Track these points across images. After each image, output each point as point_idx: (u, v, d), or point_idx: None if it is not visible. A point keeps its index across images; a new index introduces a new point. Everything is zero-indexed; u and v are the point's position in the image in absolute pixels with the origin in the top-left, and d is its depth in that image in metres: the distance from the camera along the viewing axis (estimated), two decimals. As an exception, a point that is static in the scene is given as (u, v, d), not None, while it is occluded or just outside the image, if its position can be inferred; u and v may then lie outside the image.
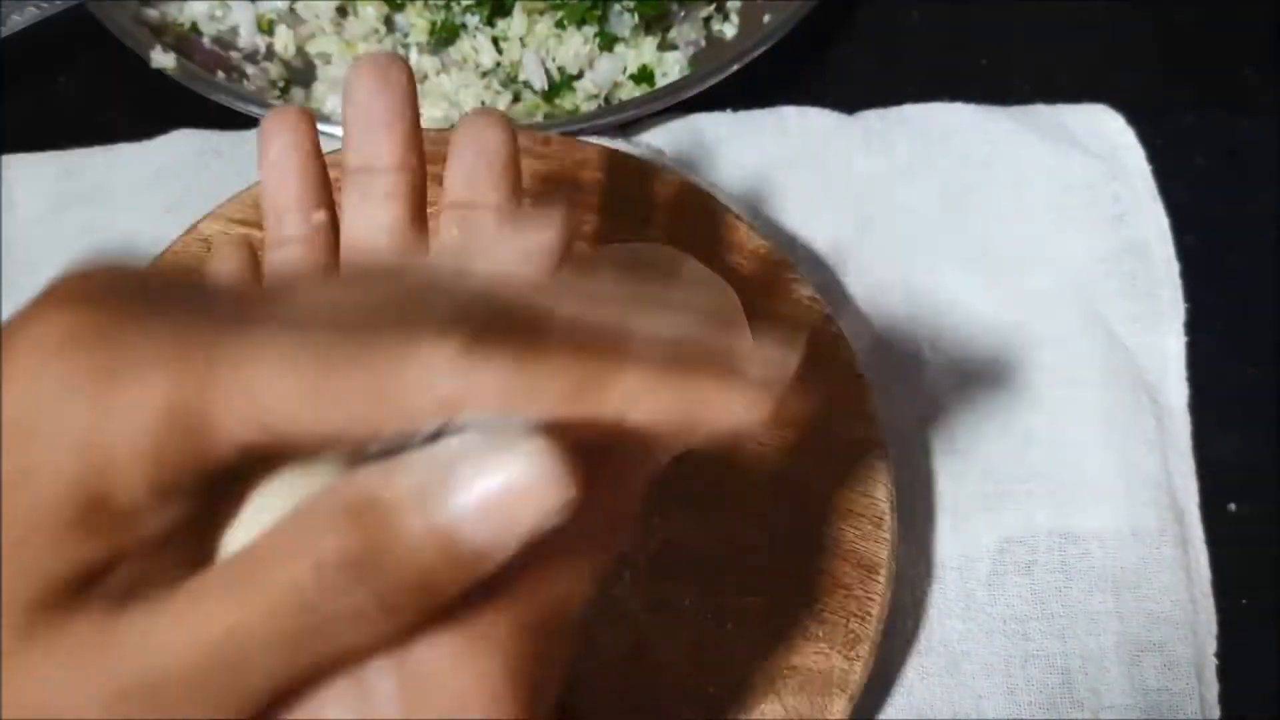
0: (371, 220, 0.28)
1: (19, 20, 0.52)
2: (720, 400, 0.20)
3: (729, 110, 0.52)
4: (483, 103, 0.54)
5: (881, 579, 0.38)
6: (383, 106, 0.28)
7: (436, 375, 0.18)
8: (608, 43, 0.55)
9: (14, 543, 0.18)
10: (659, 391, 0.19)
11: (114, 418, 0.18)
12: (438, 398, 0.18)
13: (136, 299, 0.19)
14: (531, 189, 0.45)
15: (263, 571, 0.18)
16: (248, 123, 0.51)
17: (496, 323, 0.19)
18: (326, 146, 0.47)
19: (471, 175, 0.28)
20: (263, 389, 0.18)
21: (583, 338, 0.19)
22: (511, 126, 0.29)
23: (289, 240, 0.29)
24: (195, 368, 0.18)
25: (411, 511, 0.18)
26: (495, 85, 0.54)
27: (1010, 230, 0.50)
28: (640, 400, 0.19)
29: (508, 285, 0.20)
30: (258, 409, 0.18)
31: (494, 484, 0.18)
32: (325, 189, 0.30)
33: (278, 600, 0.18)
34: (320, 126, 0.49)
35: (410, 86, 0.28)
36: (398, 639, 0.19)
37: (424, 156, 0.29)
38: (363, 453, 0.19)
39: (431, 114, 0.54)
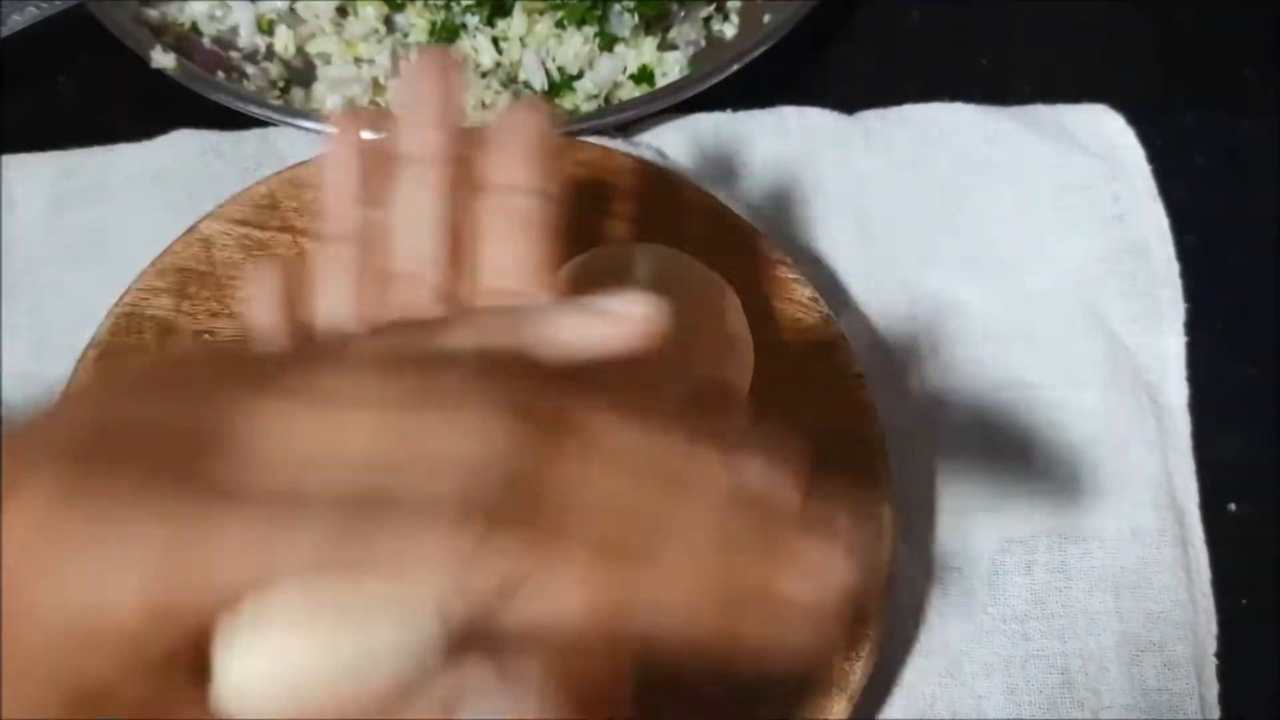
0: (417, 208, 0.28)
1: (19, 20, 0.52)
2: (767, 632, 0.19)
3: (729, 110, 0.52)
4: (483, 103, 0.54)
5: (881, 580, 0.38)
6: (434, 99, 0.29)
7: (443, 568, 0.17)
8: (608, 43, 0.55)
9: None
10: (694, 614, 0.18)
11: (94, 608, 0.17)
12: (445, 589, 0.17)
13: (119, 457, 0.18)
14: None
15: None
16: (248, 123, 0.51)
17: (512, 503, 0.17)
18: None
19: (510, 161, 0.28)
20: (247, 580, 0.17)
21: (608, 531, 0.18)
22: (554, 117, 0.29)
23: (341, 237, 0.30)
24: (177, 557, 0.17)
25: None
26: (495, 85, 0.54)
27: (1010, 230, 0.50)
28: (670, 616, 0.18)
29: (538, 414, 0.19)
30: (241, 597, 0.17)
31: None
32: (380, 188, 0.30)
33: None
34: (320, 127, 0.50)
35: (462, 84, 0.29)
36: None
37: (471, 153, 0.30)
38: None
39: (431, 114, 0.54)
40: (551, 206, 0.28)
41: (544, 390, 0.19)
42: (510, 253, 0.27)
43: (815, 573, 0.20)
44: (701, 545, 0.19)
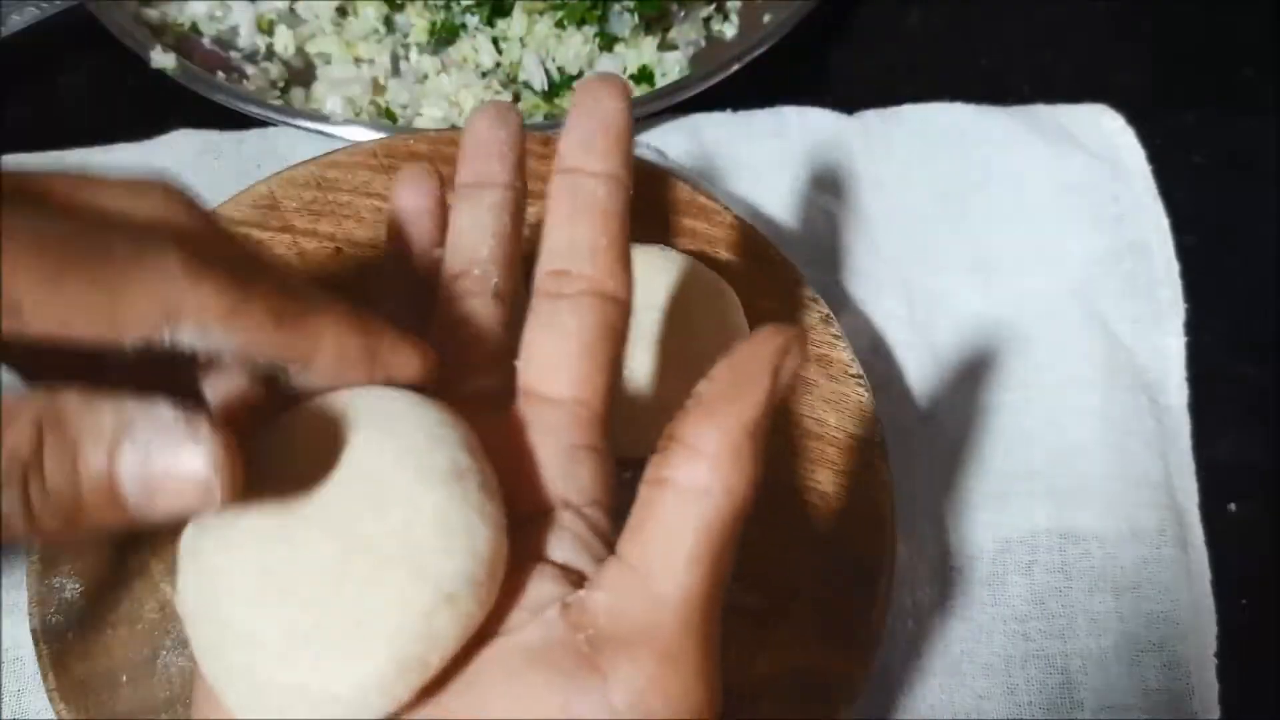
0: (478, 223, 0.30)
1: (19, 20, 0.52)
2: (393, 352, 0.25)
3: (729, 110, 0.52)
4: (483, 103, 0.54)
5: (881, 580, 0.38)
6: (499, 139, 0.31)
7: (160, 279, 0.21)
8: (608, 43, 0.55)
9: None
10: (346, 335, 0.24)
11: None
12: (162, 302, 0.21)
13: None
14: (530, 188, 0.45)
15: None
16: (248, 123, 0.51)
17: (218, 252, 0.22)
18: (326, 146, 0.47)
19: (586, 144, 0.29)
20: (10, 279, 0.20)
21: (290, 291, 0.24)
22: (629, 94, 0.29)
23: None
24: None
25: (90, 444, 0.20)
26: (495, 85, 0.54)
27: (1010, 230, 0.50)
28: (327, 340, 0.24)
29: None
30: (9, 300, 0.20)
31: (159, 465, 0.21)
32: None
33: None
34: (320, 127, 0.50)
35: (521, 130, 0.31)
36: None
37: (526, 185, 0.31)
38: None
39: (431, 114, 0.54)
40: (622, 192, 0.28)
41: None
42: (579, 236, 0.28)
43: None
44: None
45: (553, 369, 0.27)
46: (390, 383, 0.26)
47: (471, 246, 0.30)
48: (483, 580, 0.23)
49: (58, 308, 0.20)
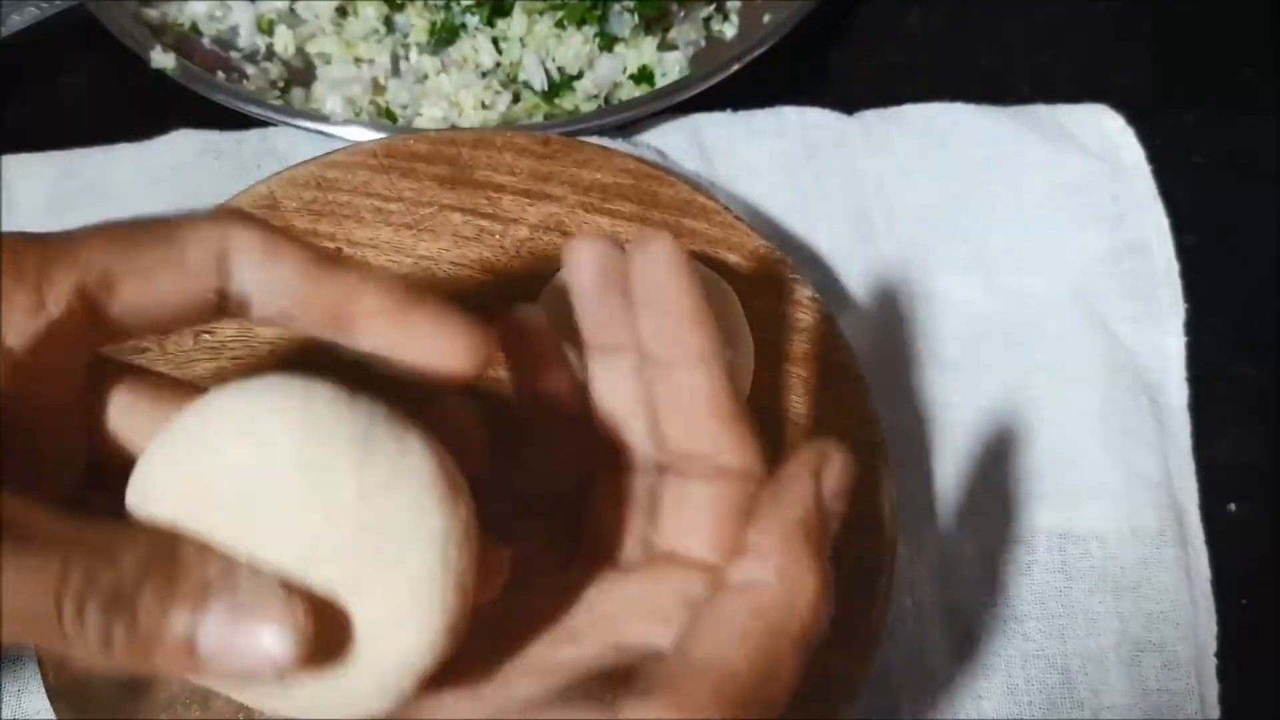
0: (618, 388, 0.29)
1: (19, 20, 0.52)
2: (432, 332, 0.25)
3: (729, 110, 0.52)
4: (483, 103, 0.54)
5: (881, 580, 0.38)
6: (616, 300, 0.28)
7: (211, 224, 0.24)
8: (608, 43, 0.55)
9: None
10: (387, 294, 0.25)
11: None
12: (216, 241, 0.24)
13: None
14: (531, 189, 0.45)
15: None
16: (248, 123, 0.51)
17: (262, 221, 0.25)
18: (326, 146, 0.47)
19: (658, 335, 0.27)
20: (89, 258, 0.23)
21: (326, 251, 0.25)
22: (677, 257, 0.26)
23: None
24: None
25: (187, 597, 0.21)
26: (495, 85, 0.54)
27: (1010, 230, 0.50)
28: (369, 297, 0.24)
29: None
30: (90, 278, 0.23)
31: (241, 640, 0.21)
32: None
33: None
34: (320, 127, 0.50)
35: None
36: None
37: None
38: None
39: (431, 114, 0.54)
40: (718, 362, 0.26)
41: None
42: (694, 424, 0.27)
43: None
44: None
45: (690, 534, 0.27)
46: (436, 365, 0.25)
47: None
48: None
49: (138, 265, 0.23)
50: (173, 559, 0.21)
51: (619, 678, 0.24)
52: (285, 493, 0.22)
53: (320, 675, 0.22)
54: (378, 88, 0.55)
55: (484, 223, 0.44)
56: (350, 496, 0.22)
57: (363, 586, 0.22)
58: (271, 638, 0.21)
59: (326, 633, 0.22)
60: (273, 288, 0.24)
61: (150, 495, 0.23)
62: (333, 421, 0.22)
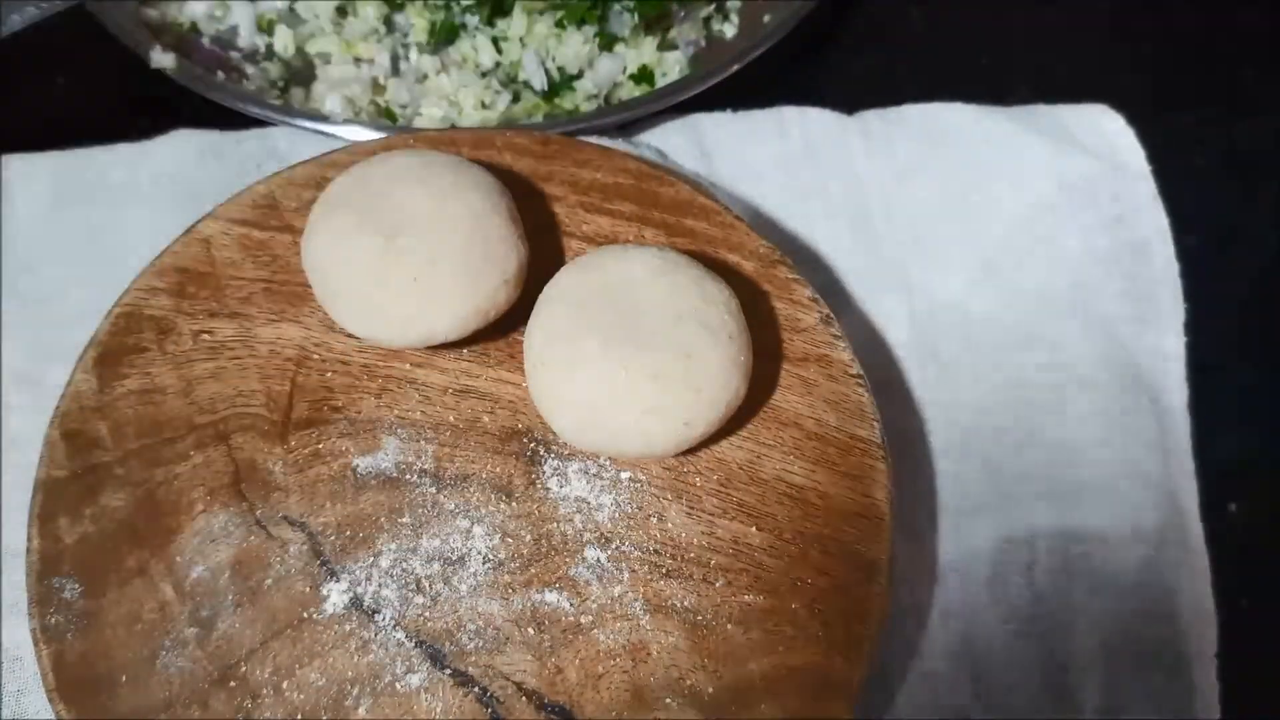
0: None
1: (18, 20, 0.52)
2: None
3: (729, 110, 0.53)
4: (483, 103, 0.54)
5: (881, 580, 0.38)
6: None
7: None
8: (608, 43, 0.55)
9: None
10: None
11: None
12: None
13: None
14: (528, 189, 0.45)
15: None
16: (248, 123, 0.51)
17: None
18: (326, 146, 0.47)
19: None
20: None
21: None
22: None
23: None
24: None
25: None
26: (495, 85, 0.54)
27: (1010, 230, 0.50)
28: None
29: None
30: None
31: None
32: None
33: None
34: (320, 127, 0.50)
35: None
36: None
37: None
38: None
39: (431, 113, 0.54)
40: None
41: None
42: None
43: None
44: None
45: None
46: None
47: None
48: None
49: None
50: None
51: None
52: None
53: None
54: (377, 87, 0.55)
55: (484, 223, 0.44)
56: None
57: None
58: None
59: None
60: None
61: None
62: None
